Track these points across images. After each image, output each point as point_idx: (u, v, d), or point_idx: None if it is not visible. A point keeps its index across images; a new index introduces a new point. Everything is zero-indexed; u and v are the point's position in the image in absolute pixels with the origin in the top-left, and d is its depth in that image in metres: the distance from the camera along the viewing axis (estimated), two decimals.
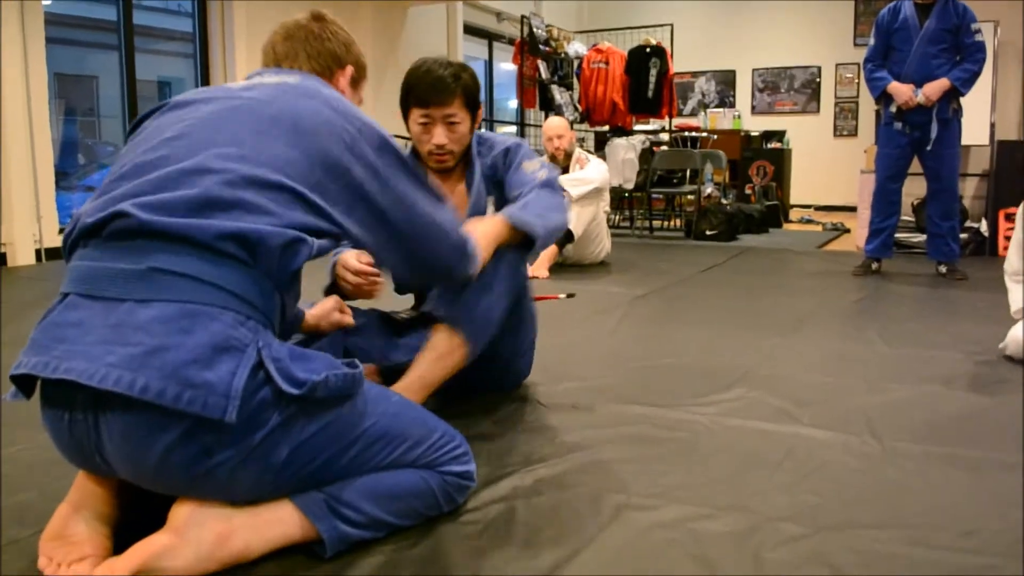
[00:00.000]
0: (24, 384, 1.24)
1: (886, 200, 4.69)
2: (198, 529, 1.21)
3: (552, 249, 4.67)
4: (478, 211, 2.15)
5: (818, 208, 10.44)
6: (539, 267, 4.58)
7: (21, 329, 3.19)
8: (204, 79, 6.92)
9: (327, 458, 1.28)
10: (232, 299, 1.20)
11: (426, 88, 2.09)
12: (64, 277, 1.28)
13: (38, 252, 5.41)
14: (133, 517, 1.37)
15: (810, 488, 1.59)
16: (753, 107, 11.49)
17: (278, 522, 1.27)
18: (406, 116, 2.17)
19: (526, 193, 2.06)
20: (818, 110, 11.14)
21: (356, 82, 1.69)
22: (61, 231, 5.60)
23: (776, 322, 3.27)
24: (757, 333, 3.06)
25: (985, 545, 1.35)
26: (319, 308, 1.99)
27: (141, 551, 1.15)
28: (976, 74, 4.39)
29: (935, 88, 4.37)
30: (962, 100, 4.48)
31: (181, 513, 1.21)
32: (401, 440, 1.36)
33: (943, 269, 4.62)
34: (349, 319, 2.02)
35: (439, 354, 1.86)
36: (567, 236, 4.69)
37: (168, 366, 1.12)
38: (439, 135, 2.11)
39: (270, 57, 1.63)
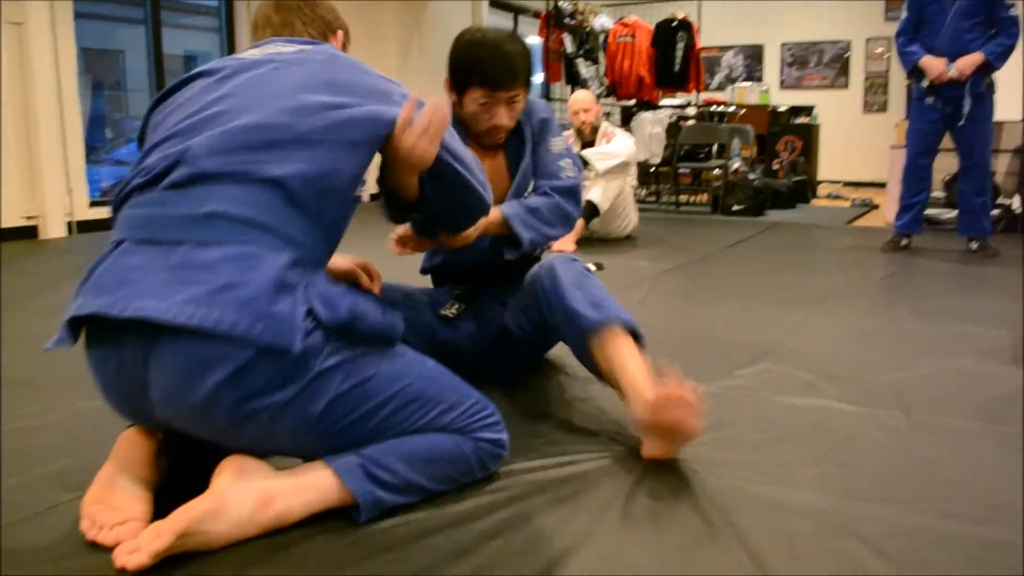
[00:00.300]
0: (72, 330, 1.29)
1: (917, 176, 4.63)
2: (240, 494, 1.24)
3: (579, 223, 4.66)
4: (522, 188, 2.11)
5: (846, 184, 10.33)
6: (566, 241, 4.58)
7: (54, 300, 3.24)
8: (231, 52, 6.94)
9: (361, 415, 1.30)
10: (286, 241, 1.27)
11: (496, 71, 1.93)
12: (116, 227, 1.34)
13: (69, 225, 5.48)
14: (174, 480, 1.41)
15: (838, 461, 1.60)
16: (782, 81, 11.35)
17: (316, 487, 1.30)
18: (462, 92, 2.00)
19: (540, 194, 2.07)
20: (847, 85, 10.99)
21: (345, 47, 1.72)
22: (91, 204, 5.67)
23: (803, 297, 3.26)
24: (783, 308, 3.05)
25: (1013, 518, 1.35)
26: (343, 259, 1.80)
27: (184, 515, 1.18)
28: (1010, 48, 4.31)
29: (968, 62, 4.29)
30: (995, 75, 4.41)
31: (223, 478, 1.25)
32: (435, 403, 1.38)
33: (974, 245, 4.57)
34: (371, 285, 1.83)
35: (630, 351, 1.73)
36: (593, 210, 4.68)
37: (240, 300, 1.19)
38: (502, 116, 2.00)
39: (267, 27, 1.64)
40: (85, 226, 5.56)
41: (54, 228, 5.36)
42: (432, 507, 1.37)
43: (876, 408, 1.90)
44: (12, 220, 5.20)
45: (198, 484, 1.27)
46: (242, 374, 1.19)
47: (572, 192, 2.10)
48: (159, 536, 1.16)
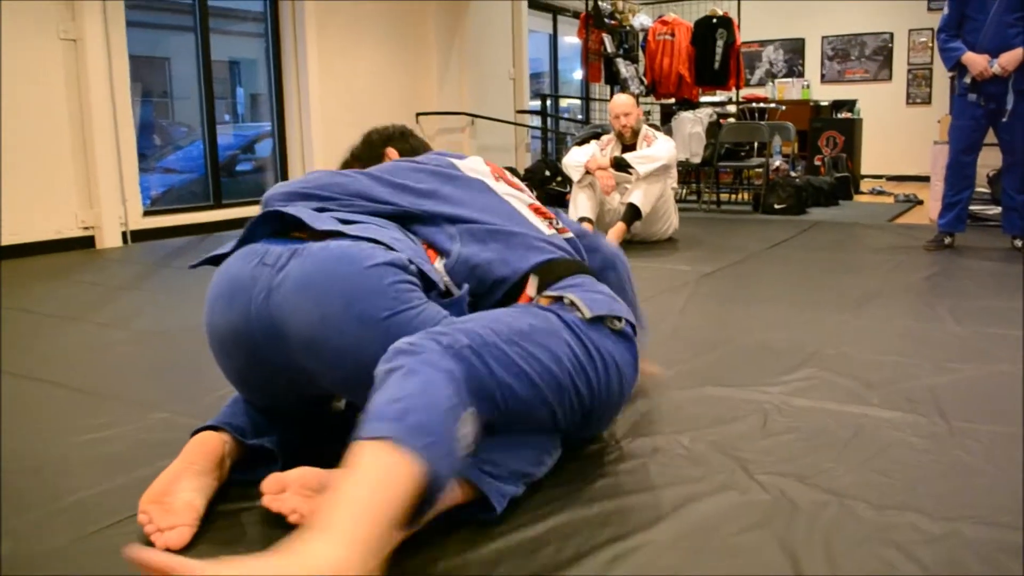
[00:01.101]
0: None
1: (960, 173, 4.61)
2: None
3: (621, 227, 4.72)
4: None
5: (890, 178, 10.23)
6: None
7: (116, 311, 3.38)
8: (276, 58, 7.09)
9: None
10: None
11: None
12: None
13: (124, 235, 5.66)
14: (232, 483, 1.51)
15: (877, 467, 1.65)
16: (823, 76, 11.27)
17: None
18: None
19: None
20: (890, 77, 10.88)
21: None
22: (145, 214, 5.85)
23: (844, 300, 3.29)
24: (825, 311, 3.09)
25: None
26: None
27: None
28: None
29: (1011, 58, 4.27)
30: None
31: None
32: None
33: (1018, 243, 4.54)
34: None
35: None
36: (635, 213, 4.73)
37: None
38: None
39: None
40: (138, 235, 5.74)
41: (110, 237, 5.54)
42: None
43: (915, 414, 1.94)
44: (70, 230, 5.39)
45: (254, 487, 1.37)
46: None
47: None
48: None
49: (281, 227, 1.62)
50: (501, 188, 1.89)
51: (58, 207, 5.32)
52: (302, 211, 1.61)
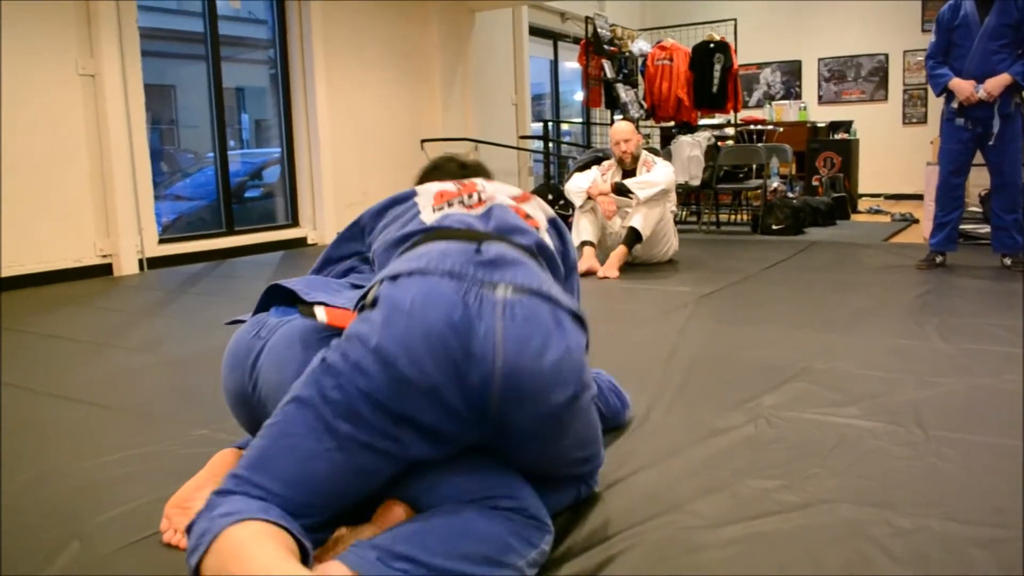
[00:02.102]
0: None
1: (949, 195, 4.78)
2: None
3: (622, 250, 4.89)
4: None
5: (888, 197, 10.41)
6: (610, 267, 4.80)
7: (141, 336, 3.55)
8: (285, 85, 7.29)
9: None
10: None
11: None
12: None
13: (140, 262, 5.83)
14: None
15: (858, 472, 1.80)
16: (820, 96, 11.48)
17: None
18: None
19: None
20: (886, 98, 11.08)
21: None
22: (160, 241, 6.03)
23: (837, 318, 3.44)
24: (817, 329, 3.24)
25: (1013, 521, 1.55)
26: None
27: None
28: None
29: (996, 83, 4.45)
30: None
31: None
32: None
33: (1008, 261, 4.70)
34: None
35: None
36: (636, 236, 4.90)
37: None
38: None
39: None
40: (154, 262, 5.91)
41: (127, 265, 5.71)
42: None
43: (896, 425, 2.10)
44: (89, 258, 5.57)
45: None
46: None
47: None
48: None
49: (291, 298, 1.75)
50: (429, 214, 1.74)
51: (77, 236, 5.50)
52: (297, 284, 1.74)
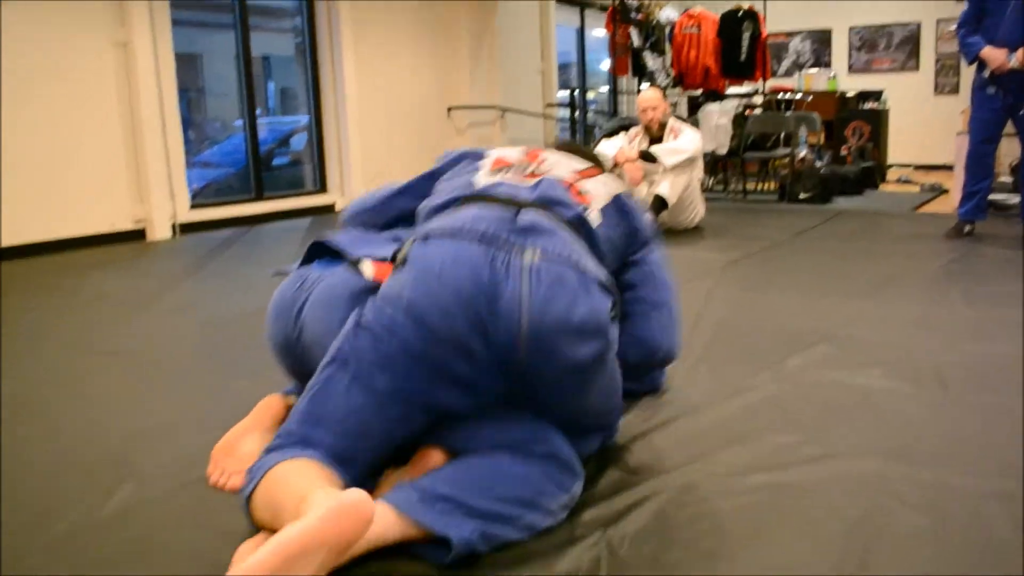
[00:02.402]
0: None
1: (980, 163, 4.76)
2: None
3: (648, 217, 4.91)
4: None
5: (917, 167, 10.30)
6: None
7: (178, 297, 3.64)
8: (313, 53, 7.32)
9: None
10: None
11: None
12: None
13: (173, 227, 5.93)
14: None
15: (879, 429, 1.85)
16: (850, 66, 11.34)
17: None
18: None
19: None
20: (918, 67, 10.93)
21: None
22: (191, 207, 6.12)
23: (863, 285, 3.47)
24: (843, 296, 3.27)
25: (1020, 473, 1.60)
26: None
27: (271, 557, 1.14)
28: None
29: None
30: None
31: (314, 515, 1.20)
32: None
33: None
34: None
35: None
36: (662, 203, 4.93)
37: None
38: None
39: None
40: (186, 228, 6.01)
41: (160, 230, 5.82)
42: None
43: (917, 386, 2.14)
44: (124, 224, 5.67)
45: None
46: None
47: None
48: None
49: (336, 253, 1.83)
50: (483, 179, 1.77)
51: (111, 202, 5.60)
52: (343, 239, 1.82)
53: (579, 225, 1.65)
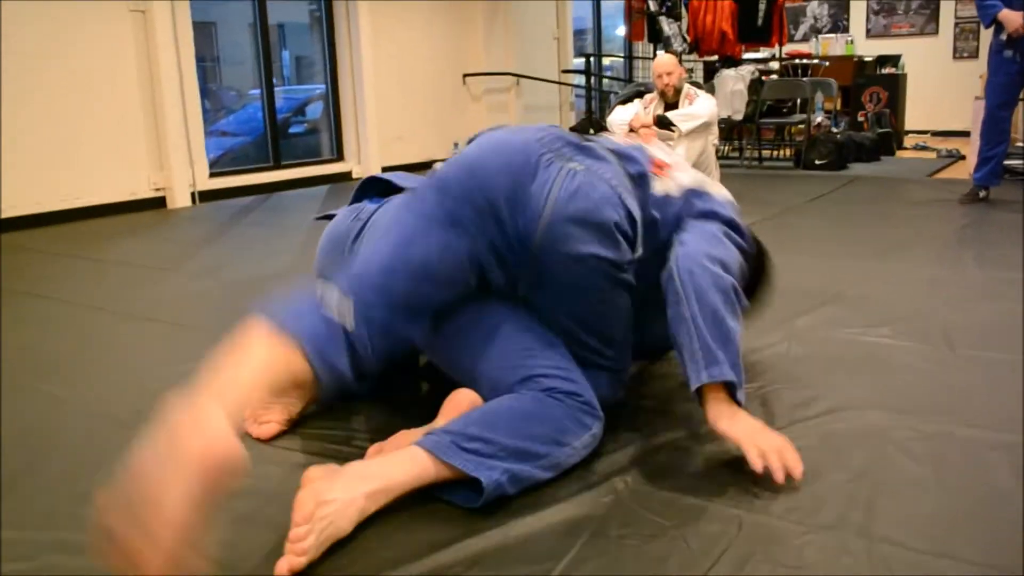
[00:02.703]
0: None
1: (996, 128, 4.75)
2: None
3: None
4: None
5: (935, 134, 10.24)
6: None
7: (201, 262, 3.72)
8: (329, 19, 7.34)
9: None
10: None
11: None
12: None
13: (192, 195, 6.00)
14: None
15: (884, 384, 1.91)
16: (868, 30, 11.23)
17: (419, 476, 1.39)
18: None
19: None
20: (937, 31, 10.82)
21: None
22: (210, 175, 6.19)
23: (874, 249, 3.50)
24: (855, 259, 3.31)
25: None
26: None
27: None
28: None
29: None
30: None
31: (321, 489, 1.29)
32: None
33: None
34: None
35: None
36: None
37: None
38: None
39: None
40: (205, 196, 6.08)
41: (180, 198, 5.89)
42: None
43: (924, 344, 2.19)
44: (144, 191, 5.75)
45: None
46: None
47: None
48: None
49: (386, 189, 1.95)
50: None
51: (132, 170, 5.67)
52: (397, 175, 1.91)
53: (639, 180, 1.65)
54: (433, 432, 1.42)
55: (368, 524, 1.32)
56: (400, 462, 1.38)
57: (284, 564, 1.20)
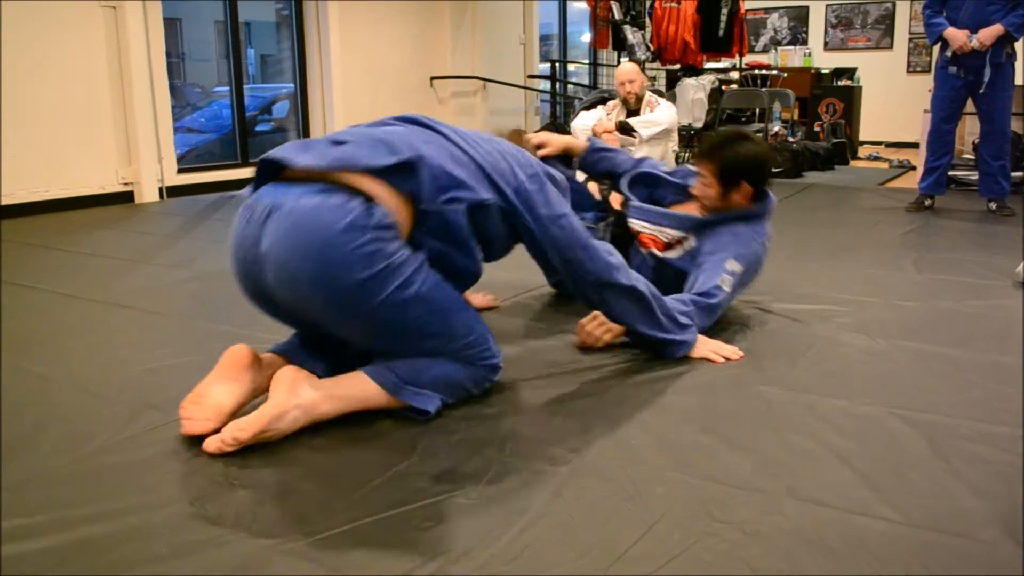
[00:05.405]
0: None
1: (940, 140, 4.99)
2: (296, 400, 1.71)
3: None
4: None
5: (889, 145, 10.55)
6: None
7: (173, 255, 3.81)
8: (299, 19, 7.42)
9: (417, 317, 1.77)
10: None
11: None
12: None
13: (160, 190, 6.05)
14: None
15: (824, 370, 2.08)
16: (826, 43, 11.55)
17: (357, 397, 1.79)
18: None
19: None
20: (892, 46, 11.16)
21: None
22: (179, 171, 6.25)
23: (821, 251, 3.69)
24: (804, 260, 3.49)
25: (940, 408, 1.84)
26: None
27: (259, 419, 1.66)
28: None
29: (989, 33, 4.62)
30: (1016, 45, 4.73)
31: (280, 392, 1.71)
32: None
33: (992, 206, 4.92)
34: None
35: None
36: None
37: None
38: None
39: None
40: (174, 191, 6.14)
41: (148, 193, 5.94)
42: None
43: (862, 335, 2.37)
44: (112, 186, 5.79)
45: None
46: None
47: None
48: (243, 431, 1.64)
49: (275, 170, 1.84)
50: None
51: (100, 164, 5.71)
52: (287, 150, 1.81)
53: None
54: (378, 365, 1.81)
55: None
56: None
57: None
